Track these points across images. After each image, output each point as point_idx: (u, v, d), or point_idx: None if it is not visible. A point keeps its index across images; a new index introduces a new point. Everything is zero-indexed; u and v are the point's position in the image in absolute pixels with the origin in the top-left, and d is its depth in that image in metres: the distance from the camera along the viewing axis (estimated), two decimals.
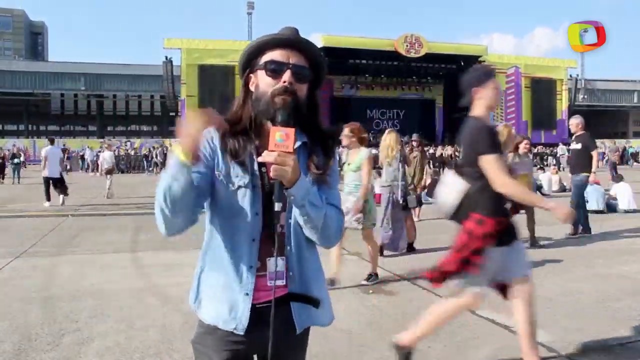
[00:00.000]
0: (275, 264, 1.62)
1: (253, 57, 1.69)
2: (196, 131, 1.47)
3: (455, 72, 46.08)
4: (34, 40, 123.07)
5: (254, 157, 1.63)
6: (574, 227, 8.90)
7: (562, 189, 17.40)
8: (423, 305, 4.98)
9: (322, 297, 1.76)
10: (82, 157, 37.03)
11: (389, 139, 7.52)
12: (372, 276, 5.94)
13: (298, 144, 1.63)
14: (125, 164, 35.95)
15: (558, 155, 36.91)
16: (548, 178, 17.22)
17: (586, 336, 4.13)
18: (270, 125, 1.53)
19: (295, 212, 1.60)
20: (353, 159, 5.88)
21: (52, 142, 14.82)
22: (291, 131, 1.47)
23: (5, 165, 25.79)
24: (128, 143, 43.70)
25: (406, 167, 8.00)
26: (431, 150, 36.30)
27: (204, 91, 40.97)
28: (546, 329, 4.30)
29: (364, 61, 42.84)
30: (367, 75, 45.29)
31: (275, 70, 1.62)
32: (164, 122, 61.43)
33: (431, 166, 29.50)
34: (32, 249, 7.78)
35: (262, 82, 1.64)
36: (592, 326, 4.38)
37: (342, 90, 47.41)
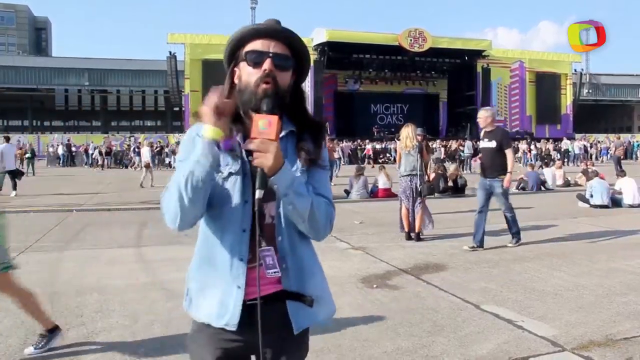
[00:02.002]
0: (258, 255, 1.54)
1: (236, 49, 1.69)
2: (222, 104, 1.53)
3: (459, 66, 46.12)
4: (38, 35, 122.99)
5: (242, 146, 1.62)
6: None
7: (567, 183, 17.38)
8: (427, 300, 5.00)
9: (319, 293, 1.71)
10: (86, 152, 37.06)
11: (407, 131, 8.28)
12: (43, 338, 3.84)
13: (285, 132, 1.64)
14: (128, 160, 36.00)
15: (562, 150, 36.80)
16: (552, 173, 17.18)
17: (591, 330, 4.13)
18: (253, 114, 1.53)
19: (281, 201, 1.58)
20: None
21: (7, 139, 15.75)
22: (274, 118, 1.47)
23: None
24: (132, 138, 43.75)
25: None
26: (434, 145, 36.21)
27: (208, 86, 39.81)
28: (551, 324, 4.31)
29: (367, 56, 42.83)
30: (371, 70, 45.31)
31: (256, 59, 1.61)
32: (167, 117, 61.54)
33: (435, 161, 29.44)
34: (37, 244, 7.81)
35: (245, 73, 1.64)
36: (596, 321, 4.37)
37: (345, 85, 47.41)
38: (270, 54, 1.61)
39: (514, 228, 7.65)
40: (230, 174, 1.61)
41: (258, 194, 1.47)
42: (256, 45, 1.63)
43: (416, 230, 8.08)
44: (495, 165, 7.43)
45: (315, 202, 1.60)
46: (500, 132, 7.67)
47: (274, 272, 1.58)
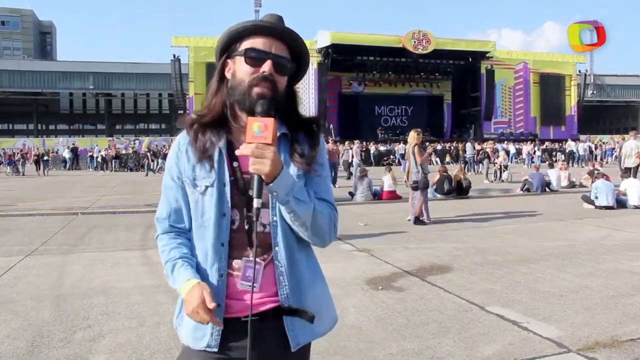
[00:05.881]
0: (254, 267, 1.44)
1: (232, 43, 1.58)
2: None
3: (463, 68, 46.07)
4: (43, 39, 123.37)
5: (224, 153, 1.54)
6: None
7: (572, 184, 17.33)
8: (432, 302, 5.00)
9: (319, 307, 1.59)
10: (91, 156, 37.16)
11: (414, 136, 10.01)
12: None
13: (277, 134, 1.51)
14: (133, 162, 36.08)
15: (567, 151, 36.70)
16: (557, 174, 17.12)
17: (596, 332, 4.12)
18: (247, 117, 1.44)
19: (282, 209, 1.47)
20: None
21: None
22: (270, 121, 1.37)
23: (40, 161, 31.09)
24: (136, 141, 43.84)
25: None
26: (439, 147, 36.24)
27: None
28: (556, 325, 4.30)
29: (371, 58, 42.82)
30: (374, 72, 45.35)
31: (255, 58, 1.51)
32: (172, 120, 61.60)
33: (438, 162, 29.44)
34: (43, 247, 7.84)
35: (240, 70, 1.54)
36: (602, 322, 4.36)
37: (350, 87, 47.41)
38: (271, 55, 1.52)
39: None
40: (207, 187, 1.53)
41: (256, 203, 1.36)
42: (257, 43, 1.52)
43: (416, 214, 9.83)
44: None
45: (318, 206, 1.50)
46: None
47: (248, 285, 1.44)
